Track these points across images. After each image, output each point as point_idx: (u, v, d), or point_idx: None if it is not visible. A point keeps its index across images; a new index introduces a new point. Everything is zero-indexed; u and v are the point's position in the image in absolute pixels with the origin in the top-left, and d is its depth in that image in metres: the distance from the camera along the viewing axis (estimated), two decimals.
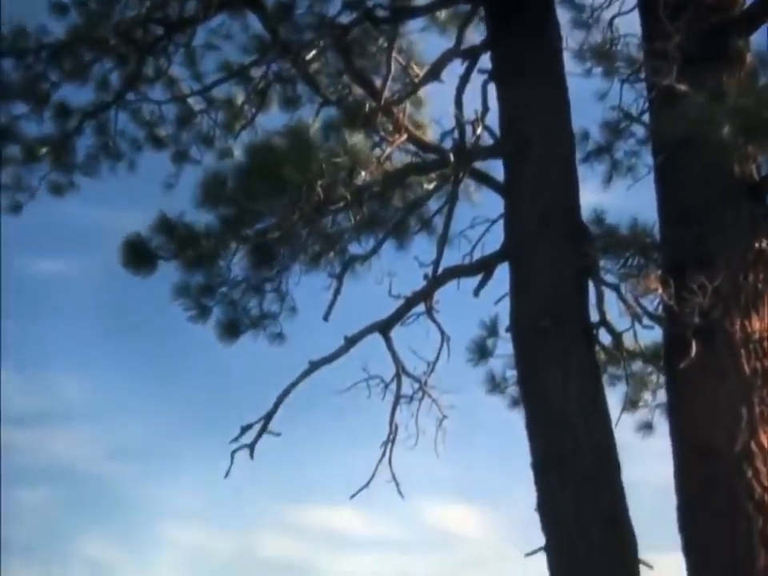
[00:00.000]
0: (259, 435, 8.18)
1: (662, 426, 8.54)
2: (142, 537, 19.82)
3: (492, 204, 8.38)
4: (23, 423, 18.29)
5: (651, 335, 7.93)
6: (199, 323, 8.49)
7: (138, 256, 7.85)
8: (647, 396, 9.13)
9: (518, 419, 7.76)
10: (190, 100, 9.36)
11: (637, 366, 8.87)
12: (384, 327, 8.25)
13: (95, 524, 18.79)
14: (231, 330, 8.60)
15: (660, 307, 7.12)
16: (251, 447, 8.19)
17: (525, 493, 7.23)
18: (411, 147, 8.33)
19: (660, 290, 6.85)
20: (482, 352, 8.78)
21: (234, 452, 8.12)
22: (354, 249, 8.74)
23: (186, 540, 19.85)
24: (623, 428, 7.75)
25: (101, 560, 19.45)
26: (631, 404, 8.83)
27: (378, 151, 7.75)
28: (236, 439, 8.16)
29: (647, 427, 9.26)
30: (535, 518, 6.97)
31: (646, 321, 7.37)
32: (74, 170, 8.92)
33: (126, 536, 19.26)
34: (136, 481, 19.43)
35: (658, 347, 7.86)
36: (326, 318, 8.42)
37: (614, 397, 8.02)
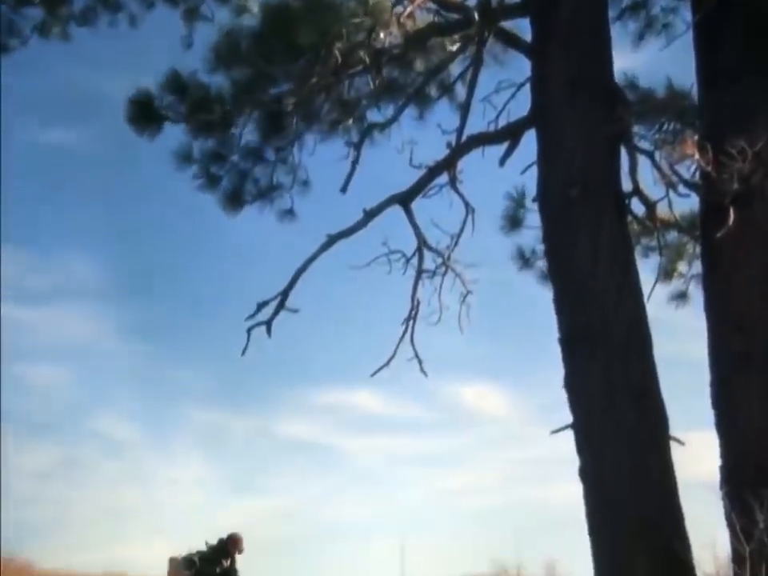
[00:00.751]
0: (276, 312, 7.99)
1: (696, 299, 8.28)
2: (157, 416, 19.98)
3: (519, 67, 7.97)
4: (33, 301, 18.26)
5: (687, 204, 7.61)
6: (208, 192, 8.26)
7: (145, 115, 7.55)
8: (682, 267, 8.75)
9: (545, 294, 7.48)
10: None
11: (671, 236, 8.52)
12: (405, 199, 7.94)
13: (108, 402, 18.94)
14: (236, 199, 8.34)
15: (697, 174, 6.76)
16: (268, 324, 8.00)
17: (551, 371, 7.00)
18: (433, 5, 7.84)
19: (697, 156, 6.45)
20: (513, 221, 8.43)
21: (250, 329, 7.93)
22: (373, 116, 8.41)
23: (201, 420, 20.00)
24: (655, 303, 7.46)
25: (114, 438, 19.65)
26: (665, 275, 8.51)
27: (398, 9, 7.31)
28: (252, 316, 7.96)
29: (681, 297, 8.91)
30: (561, 398, 6.73)
31: (681, 189, 7.02)
32: (69, 21, 8.42)
33: (141, 415, 19.41)
34: (150, 359, 19.46)
35: (694, 217, 7.53)
36: (343, 189, 8.13)
37: (646, 270, 7.71)
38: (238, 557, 10.41)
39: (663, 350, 6.96)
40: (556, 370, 6.82)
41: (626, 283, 6.79)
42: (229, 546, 10.36)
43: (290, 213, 8.64)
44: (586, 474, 6.50)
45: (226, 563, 10.27)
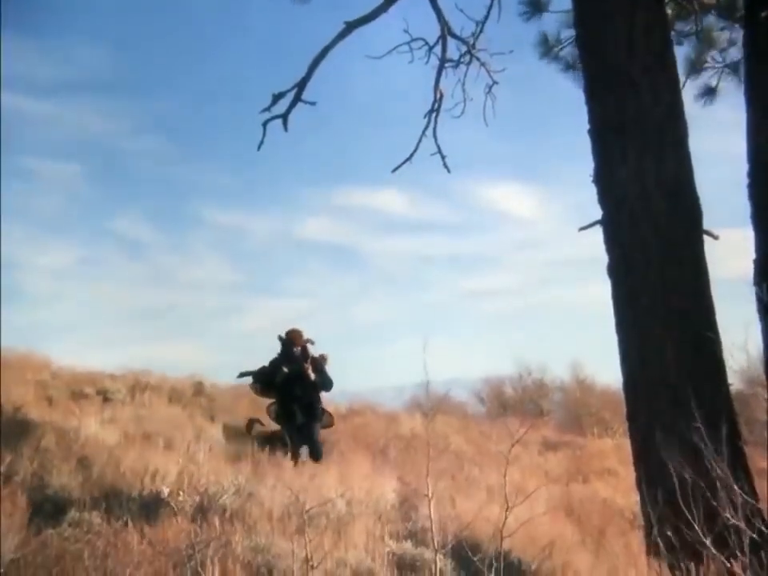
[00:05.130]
0: (292, 104, 7.70)
1: (731, 90, 7.90)
2: (176, 217, 19.88)
3: None
4: (46, 94, 17.82)
5: None
6: None
7: None
8: (715, 56, 8.26)
9: (575, 86, 7.12)
10: None
11: (709, 20, 8.01)
12: None
13: (126, 202, 18.80)
14: None
15: None
16: (284, 117, 7.73)
17: (579, 170, 6.70)
18: None
19: None
20: (535, 5, 7.96)
21: (265, 122, 7.66)
22: None
23: (222, 221, 19.93)
24: (692, 94, 7.07)
25: (134, 238, 19.65)
26: (699, 63, 8.05)
27: None
28: (268, 109, 7.67)
29: (710, 92, 8.45)
30: (590, 195, 6.43)
31: None
32: None
33: (160, 215, 19.34)
34: (168, 158, 19.21)
35: None
36: None
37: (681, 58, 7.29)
38: (311, 350, 8.89)
39: (699, 145, 6.63)
40: (585, 168, 6.53)
41: (662, 70, 6.38)
42: (287, 347, 8.93)
43: None
44: (614, 270, 6.30)
45: (287, 369, 8.80)
